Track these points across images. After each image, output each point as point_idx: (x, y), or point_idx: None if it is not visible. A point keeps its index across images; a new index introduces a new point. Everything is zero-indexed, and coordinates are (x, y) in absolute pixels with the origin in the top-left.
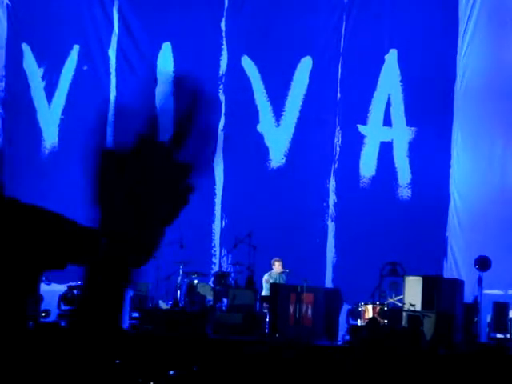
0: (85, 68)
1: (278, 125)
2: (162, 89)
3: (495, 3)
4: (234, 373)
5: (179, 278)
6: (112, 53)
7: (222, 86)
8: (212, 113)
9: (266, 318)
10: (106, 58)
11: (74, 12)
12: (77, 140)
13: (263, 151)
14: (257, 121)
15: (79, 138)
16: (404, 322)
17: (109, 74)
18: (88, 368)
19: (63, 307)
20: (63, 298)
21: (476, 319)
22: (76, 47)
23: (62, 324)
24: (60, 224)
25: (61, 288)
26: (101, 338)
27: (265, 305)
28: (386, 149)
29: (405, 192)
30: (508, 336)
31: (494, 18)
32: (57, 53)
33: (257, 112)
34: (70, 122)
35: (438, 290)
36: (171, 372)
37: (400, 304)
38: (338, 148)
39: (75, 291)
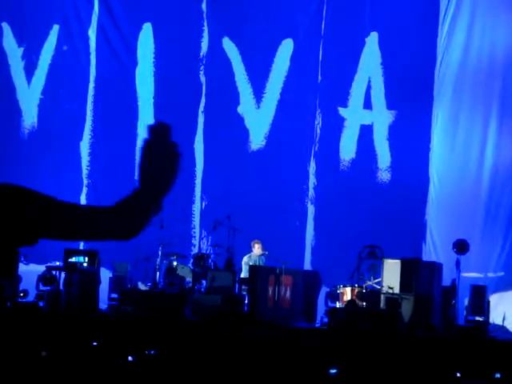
0: (65, 48)
1: (259, 107)
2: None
3: None
4: (212, 355)
5: (158, 259)
6: (92, 33)
7: (202, 67)
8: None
9: (244, 299)
10: (86, 38)
11: None
12: (56, 120)
13: (243, 133)
14: (237, 103)
15: (58, 118)
16: (382, 305)
17: (89, 54)
18: None
19: (42, 287)
20: (42, 279)
21: (454, 302)
22: (56, 27)
23: (41, 304)
24: (30, 199)
25: (39, 268)
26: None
27: (244, 287)
28: (366, 132)
29: (384, 175)
30: (485, 319)
31: (474, 2)
32: (37, 32)
33: (237, 94)
34: (50, 102)
35: (417, 272)
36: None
37: (378, 287)
38: (318, 131)
39: (54, 272)
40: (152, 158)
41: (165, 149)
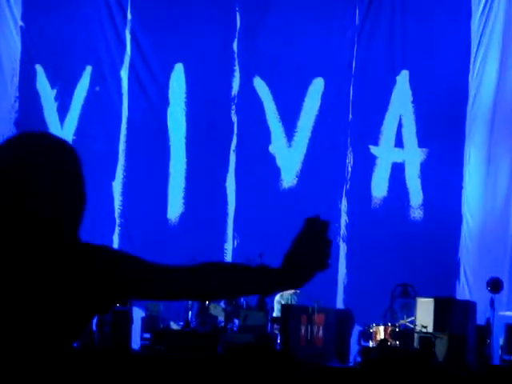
0: (97, 89)
1: (290, 145)
2: None
3: (508, 24)
4: None
5: None
6: (124, 74)
7: (234, 106)
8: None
9: (277, 338)
10: (118, 79)
11: (86, 33)
12: (89, 160)
13: (275, 172)
14: (269, 141)
15: (91, 158)
16: (416, 344)
17: (121, 94)
18: None
19: None
20: None
21: (488, 341)
22: (88, 68)
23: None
24: (124, 264)
25: None
26: None
27: (276, 326)
28: (397, 170)
29: (417, 213)
30: None
31: (506, 38)
32: (69, 74)
33: (269, 133)
34: (83, 143)
35: (450, 311)
36: None
37: (412, 325)
38: (349, 169)
39: None
40: (305, 250)
41: (320, 245)
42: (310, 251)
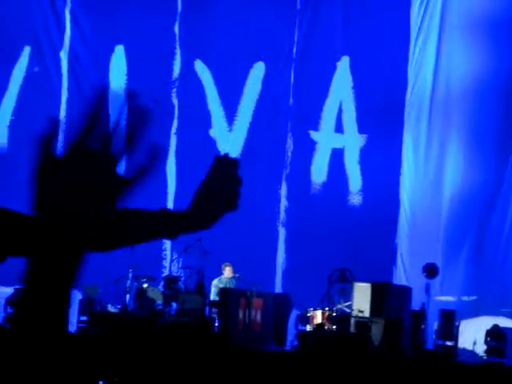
0: (36, 69)
1: (231, 129)
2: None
3: (446, 12)
4: (181, 377)
5: (129, 281)
6: (64, 55)
7: (175, 89)
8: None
9: (215, 322)
10: (58, 60)
11: (24, 13)
12: (26, 142)
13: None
14: (209, 125)
15: (29, 140)
16: (352, 328)
17: (60, 75)
18: (31, 369)
19: (9, 310)
20: (10, 301)
21: (423, 326)
22: (27, 48)
23: (8, 327)
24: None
25: (7, 291)
26: (44, 341)
27: (214, 309)
28: (337, 155)
29: (355, 198)
30: (454, 343)
31: (444, 26)
32: (7, 54)
33: (209, 116)
34: (20, 124)
35: (387, 296)
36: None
37: (349, 310)
38: (289, 154)
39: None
40: (213, 188)
41: (229, 183)
42: (218, 190)
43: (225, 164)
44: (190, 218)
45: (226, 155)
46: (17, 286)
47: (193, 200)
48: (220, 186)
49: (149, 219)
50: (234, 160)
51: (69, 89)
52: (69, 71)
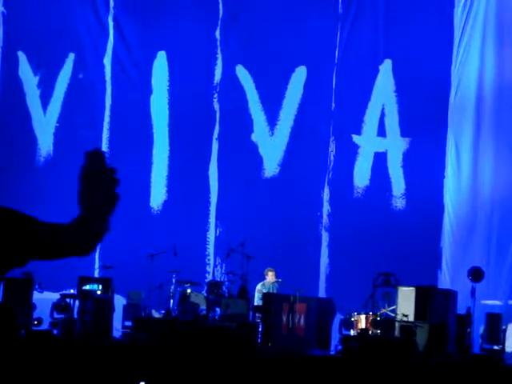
0: (80, 76)
1: (272, 134)
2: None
3: (490, 14)
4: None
5: (172, 286)
6: (107, 61)
7: (216, 94)
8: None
9: (258, 327)
10: (101, 67)
11: (69, 20)
12: (72, 148)
13: (257, 160)
14: (251, 130)
15: (74, 146)
16: (397, 333)
17: (104, 82)
18: None
19: (56, 315)
20: (56, 307)
21: (469, 330)
22: (71, 55)
23: (55, 332)
24: (20, 222)
25: (54, 296)
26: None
27: (257, 315)
28: (380, 159)
29: (399, 202)
30: (500, 347)
31: (487, 29)
32: (52, 61)
33: (251, 121)
34: (65, 130)
35: (432, 300)
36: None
37: (393, 314)
38: (332, 158)
39: (68, 299)
40: (91, 184)
41: (102, 174)
42: (95, 184)
43: (91, 158)
44: (84, 223)
45: (94, 149)
46: (63, 292)
47: (79, 203)
48: (95, 179)
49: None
50: (98, 151)
51: (112, 95)
52: (112, 78)
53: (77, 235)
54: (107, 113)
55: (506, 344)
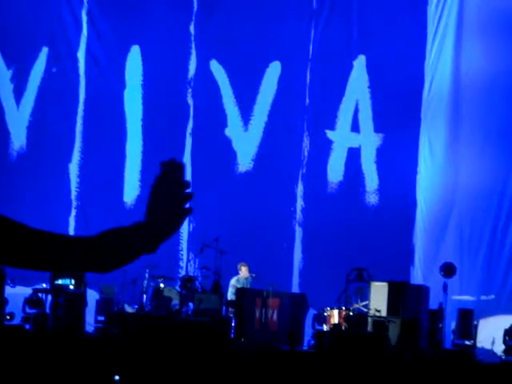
0: (54, 70)
1: (246, 129)
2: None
3: (463, 11)
4: (198, 376)
5: (145, 281)
6: (81, 55)
7: (190, 89)
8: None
9: (231, 322)
10: (75, 61)
11: (42, 14)
12: (45, 142)
13: (231, 155)
14: (225, 125)
15: (48, 140)
16: (369, 328)
17: (78, 76)
18: None
19: (28, 310)
20: (28, 301)
21: (441, 325)
22: (45, 49)
23: (27, 327)
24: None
25: (26, 291)
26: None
27: (230, 309)
28: (353, 155)
29: (372, 198)
30: (472, 342)
31: (461, 24)
32: (25, 55)
33: (225, 116)
34: (39, 124)
35: (404, 295)
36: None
37: (365, 310)
38: (305, 153)
39: (40, 294)
40: (162, 196)
41: (177, 188)
42: (168, 195)
43: (171, 169)
44: (150, 229)
45: (172, 160)
46: (35, 287)
47: (147, 208)
48: (170, 191)
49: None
50: (180, 163)
51: (86, 89)
52: (86, 72)
53: (130, 242)
54: (81, 107)
55: (478, 339)
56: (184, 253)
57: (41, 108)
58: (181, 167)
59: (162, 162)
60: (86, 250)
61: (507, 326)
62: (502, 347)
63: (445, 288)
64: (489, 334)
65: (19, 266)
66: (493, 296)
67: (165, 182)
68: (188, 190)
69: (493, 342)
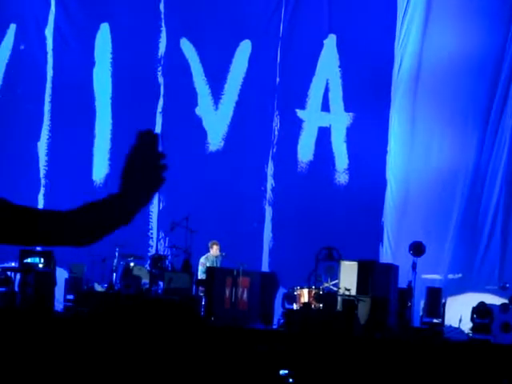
0: (21, 47)
1: (217, 108)
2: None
3: None
4: (171, 356)
5: (115, 260)
6: (49, 32)
7: (160, 68)
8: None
9: (201, 301)
10: (43, 38)
11: None
12: (14, 120)
13: (201, 134)
14: (195, 104)
15: (16, 118)
16: (339, 307)
17: (46, 53)
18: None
19: None
20: None
21: (409, 304)
22: (12, 26)
23: None
24: None
25: None
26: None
27: (201, 288)
28: (323, 134)
29: (342, 177)
30: (440, 321)
31: (431, 3)
32: None
33: (195, 95)
34: (7, 102)
35: (373, 274)
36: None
37: (335, 288)
38: (276, 132)
39: (9, 273)
40: (137, 166)
41: (152, 158)
42: (143, 165)
43: (147, 139)
44: (124, 199)
45: (148, 130)
46: (3, 265)
47: (121, 177)
48: (145, 160)
49: (94, 210)
50: (156, 134)
51: (54, 67)
52: (54, 49)
53: (88, 222)
54: (49, 84)
55: (446, 317)
56: (154, 231)
57: (9, 85)
58: (156, 138)
59: (138, 132)
60: (62, 224)
61: (474, 304)
62: (470, 325)
63: (414, 267)
64: (457, 312)
65: (5, 242)
66: (460, 275)
67: (140, 152)
68: (162, 161)
69: (460, 320)
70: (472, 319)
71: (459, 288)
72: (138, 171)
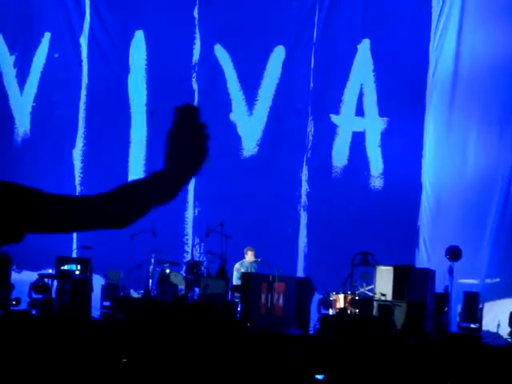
0: (56, 56)
1: (251, 114)
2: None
3: None
4: (206, 361)
5: (151, 266)
6: (84, 40)
7: (194, 74)
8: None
9: (237, 307)
10: (78, 46)
11: None
12: (49, 127)
13: (236, 140)
14: (229, 110)
15: (51, 126)
16: (375, 312)
17: (80, 61)
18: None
19: (34, 295)
20: (34, 287)
21: (446, 309)
22: (47, 35)
23: (33, 312)
24: (15, 192)
25: (32, 276)
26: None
27: (236, 294)
28: (358, 139)
29: (377, 182)
30: (478, 325)
31: (466, 7)
32: (28, 40)
33: (229, 101)
34: (42, 110)
35: (409, 279)
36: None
37: (371, 294)
38: (310, 137)
39: (46, 279)
40: (180, 140)
41: (193, 131)
42: (186, 138)
43: (187, 112)
44: (171, 174)
45: (187, 104)
46: (41, 272)
47: (166, 154)
48: (187, 134)
49: (138, 187)
50: (195, 107)
51: (89, 75)
52: (88, 57)
53: (150, 192)
54: (83, 92)
55: (483, 322)
56: (189, 237)
57: (44, 93)
58: (196, 110)
59: (176, 107)
60: (104, 204)
61: None
62: (508, 330)
63: (450, 271)
64: (494, 317)
65: (48, 230)
66: (498, 279)
67: (181, 127)
68: (205, 131)
69: (498, 325)
70: (510, 324)
71: (497, 293)
72: (183, 145)
